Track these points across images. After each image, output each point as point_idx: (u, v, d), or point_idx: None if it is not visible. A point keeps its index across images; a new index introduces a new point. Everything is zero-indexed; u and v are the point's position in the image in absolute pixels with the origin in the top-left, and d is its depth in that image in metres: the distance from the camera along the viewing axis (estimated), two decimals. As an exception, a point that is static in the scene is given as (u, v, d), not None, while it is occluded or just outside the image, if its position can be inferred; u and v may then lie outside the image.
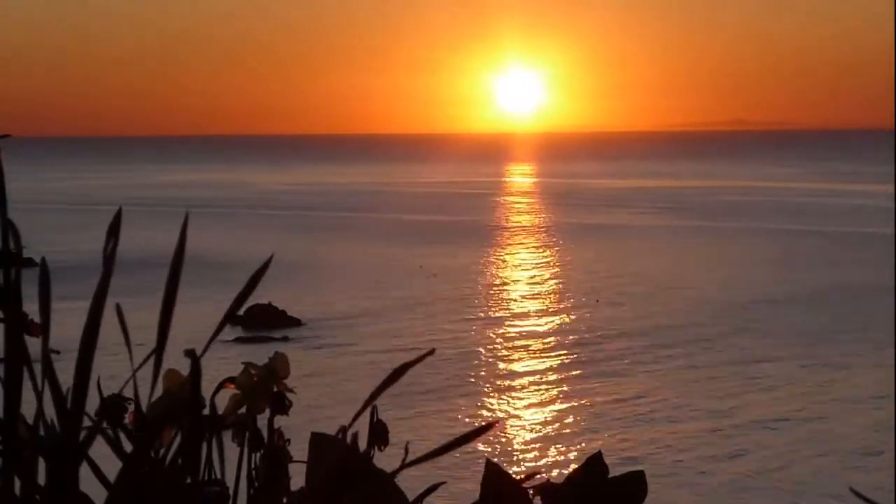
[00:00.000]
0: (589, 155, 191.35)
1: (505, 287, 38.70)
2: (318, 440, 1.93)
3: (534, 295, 36.92)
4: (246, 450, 1.90)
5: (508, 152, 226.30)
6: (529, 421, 21.91)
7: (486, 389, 24.13)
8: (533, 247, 51.58)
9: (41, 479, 1.58)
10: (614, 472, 2.18)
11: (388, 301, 34.54)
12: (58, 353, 1.65)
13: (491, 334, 30.02)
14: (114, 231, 1.65)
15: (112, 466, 1.64)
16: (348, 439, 1.82)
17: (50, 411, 1.59)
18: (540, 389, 24.29)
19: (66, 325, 3.87)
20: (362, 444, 1.88)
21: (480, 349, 27.96)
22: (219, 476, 1.80)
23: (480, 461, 2.02)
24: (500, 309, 34.10)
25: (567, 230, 58.09)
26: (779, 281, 38.44)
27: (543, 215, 69.69)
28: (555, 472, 17.98)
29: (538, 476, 2.17)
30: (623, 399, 23.22)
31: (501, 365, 26.41)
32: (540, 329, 30.81)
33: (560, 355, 27.43)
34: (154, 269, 24.46)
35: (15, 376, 1.57)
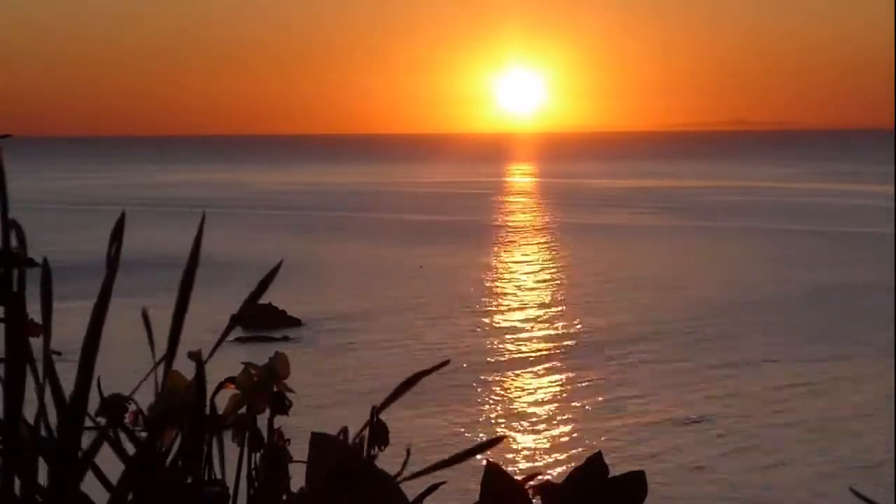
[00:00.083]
0: (589, 155, 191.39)
1: (505, 287, 38.70)
2: (318, 440, 1.94)
3: (533, 295, 36.91)
4: (246, 450, 1.91)
5: (509, 152, 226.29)
6: (527, 421, 21.91)
7: (485, 389, 24.12)
8: (533, 247, 51.59)
9: (42, 479, 1.58)
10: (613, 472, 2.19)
11: (388, 301, 34.55)
12: (59, 354, 1.66)
13: (491, 334, 30.02)
14: (117, 234, 1.66)
15: (112, 466, 1.64)
16: (351, 442, 1.83)
17: (51, 411, 1.60)
18: (539, 389, 24.28)
19: (67, 326, 3.87)
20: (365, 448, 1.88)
21: (480, 349, 27.95)
22: (219, 476, 1.80)
23: (480, 461, 2.02)
24: (500, 309, 34.10)
25: (567, 230, 58.10)
26: (779, 281, 38.45)
27: (544, 215, 69.70)
28: (555, 472, 17.99)
29: (538, 476, 2.17)
30: (622, 399, 23.22)
31: (500, 365, 26.41)
32: (540, 329, 30.80)
33: (560, 355, 27.42)
34: (154, 268, 24.54)
35: (16, 376, 1.58)
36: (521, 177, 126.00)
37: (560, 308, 34.14)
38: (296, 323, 30.82)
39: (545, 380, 25.14)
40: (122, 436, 1.71)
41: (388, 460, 1.92)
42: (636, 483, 2.17)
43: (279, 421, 1.92)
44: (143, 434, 1.70)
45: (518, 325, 31.49)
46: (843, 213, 66.53)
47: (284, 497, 1.89)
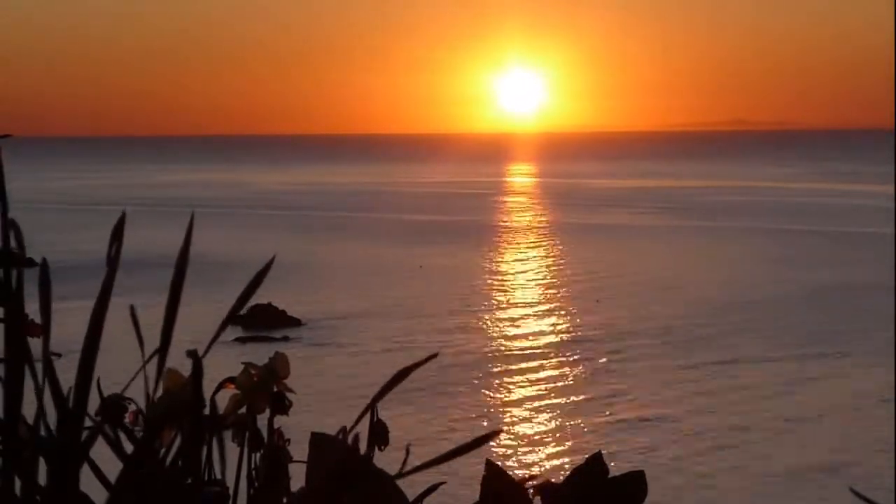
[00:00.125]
0: (589, 155, 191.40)
1: (505, 287, 38.70)
2: (318, 440, 1.94)
3: (533, 294, 36.92)
4: (246, 450, 1.91)
5: (509, 152, 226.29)
6: (525, 420, 21.91)
7: (485, 389, 24.12)
8: (533, 247, 51.59)
9: (41, 479, 1.58)
10: (613, 473, 2.19)
11: (388, 301, 34.55)
12: (59, 355, 1.66)
13: (490, 334, 30.03)
14: (117, 235, 1.66)
15: (112, 466, 1.64)
16: (349, 440, 1.82)
17: (51, 411, 1.60)
18: (538, 388, 24.28)
19: (66, 326, 3.87)
20: (362, 446, 1.88)
21: (480, 349, 27.96)
22: (219, 476, 1.80)
23: (480, 461, 2.02)
24: (500, 308, 34.10)
25: (567, 230, 58.09)
26: (778, 281, 38.44)
27: (544, 215, 69.69)
28: (548, 465, 18.00)
29: (538, 476, 2.17)
30: (621, 397, 23.22)
31: (499, 364, 26.41)
32: (539, 328, 30.81)
33: (560, 355, 27.42)
34: (153, 268, 24.54)
35: (16, 376, 1.58)
36: (521, 177, 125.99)
37: (560, 308, 34.13)
38: (296, 323, 30.82)
39: (545, 379, 25.14)
40: (122, 436, 1.71)
41: (388, 460, 1.92)
42: (636, 483, 2.17)
43: (279, 421, 1.92)
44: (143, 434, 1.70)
45: (518, 324, 31.49)
46: (843, 213, 66.52)
47: (284, 497, 1.89)
